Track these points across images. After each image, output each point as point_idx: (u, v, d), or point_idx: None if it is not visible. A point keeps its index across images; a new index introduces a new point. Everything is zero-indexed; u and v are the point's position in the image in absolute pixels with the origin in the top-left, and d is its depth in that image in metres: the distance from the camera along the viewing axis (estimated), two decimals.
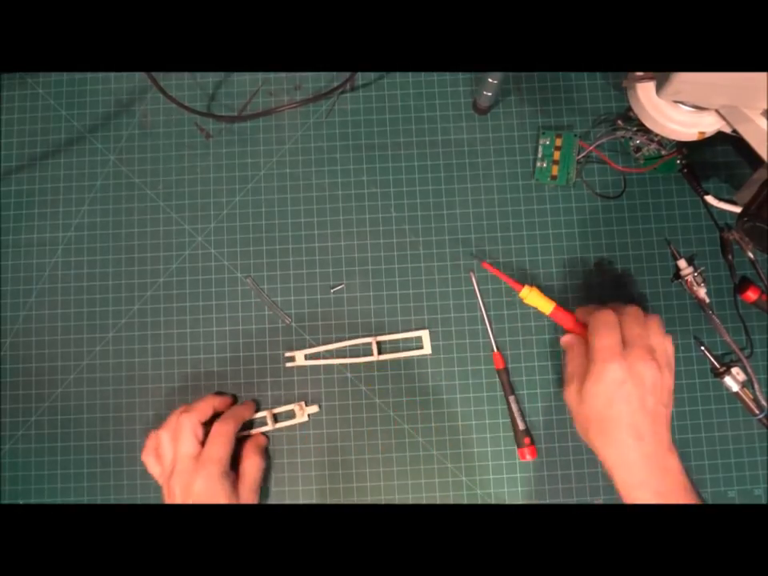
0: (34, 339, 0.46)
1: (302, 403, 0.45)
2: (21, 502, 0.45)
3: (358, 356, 0.45)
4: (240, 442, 0.44)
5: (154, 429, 0.43)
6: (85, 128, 0.49)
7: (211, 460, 0.40)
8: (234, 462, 0.42)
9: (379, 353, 0.45)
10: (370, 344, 0.45)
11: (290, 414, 0.45)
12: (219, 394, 0.45)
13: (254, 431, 0.45)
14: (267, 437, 0.45)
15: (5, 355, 0.46)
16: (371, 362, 0.45)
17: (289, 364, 0.45)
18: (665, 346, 0.38)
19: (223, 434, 0.41)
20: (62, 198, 0.48)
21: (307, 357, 0.45)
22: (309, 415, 0.45)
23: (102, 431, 0.46)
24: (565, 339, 0.41)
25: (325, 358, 0.45)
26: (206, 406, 0.43)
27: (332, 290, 0.46)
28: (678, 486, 0.36)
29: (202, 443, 0.41)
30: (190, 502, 0.39)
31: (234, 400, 0.46)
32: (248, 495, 0.42)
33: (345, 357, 0.45)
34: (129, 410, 0.46)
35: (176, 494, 0.40)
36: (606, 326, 0.38)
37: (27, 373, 0.46)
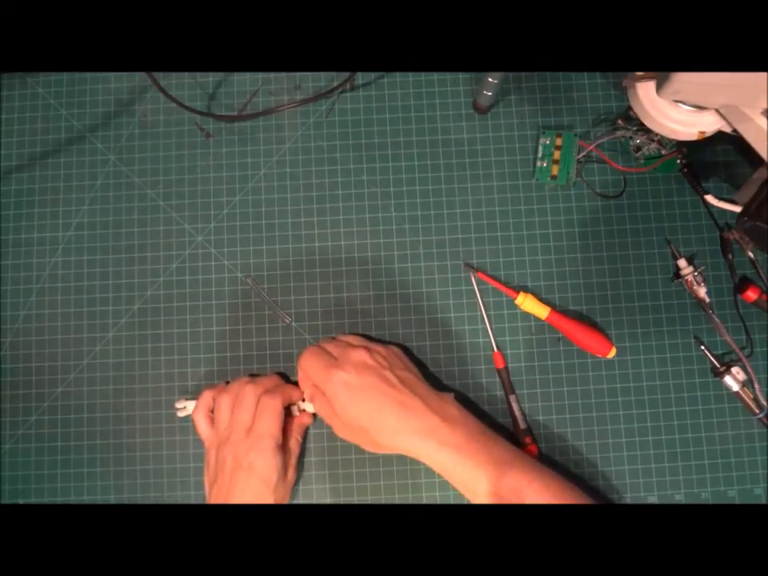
0: (34, 339, 0.46)
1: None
2: (21, 501, 0.45)
3: None
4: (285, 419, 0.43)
5: (207, 387, 0.44)
6: (85, 128, 0.49)
7: (265, 434, 0.40)
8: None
9: None
10: None
11: None
12: (282, 374, 0.46)
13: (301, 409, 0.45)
14: (314, 416, 0.45)
15: (5, 355, 0.46)
16: None
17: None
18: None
19: (271, 407, 0.41)
20: (62, 197, 0.48)
21: None
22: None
23: (102, 431, 0.46)
24: (307, 395, 0.43)
25: None
26: (270, 382, 0.43)
27: None
28: (466, 432, 0.38)
29: None
30: (240, 472, 0.40)
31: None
32: (291, 472, 0.42)
33: None
34: (129, 410, 0.46)
35: (227, 462, 0.40)
36: (311, 359, 0.41)
37: (27, 373, 0.46)
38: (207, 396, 0.43)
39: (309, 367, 0.41)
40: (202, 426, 0.43)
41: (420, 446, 0.38)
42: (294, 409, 0.44)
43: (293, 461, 0.43)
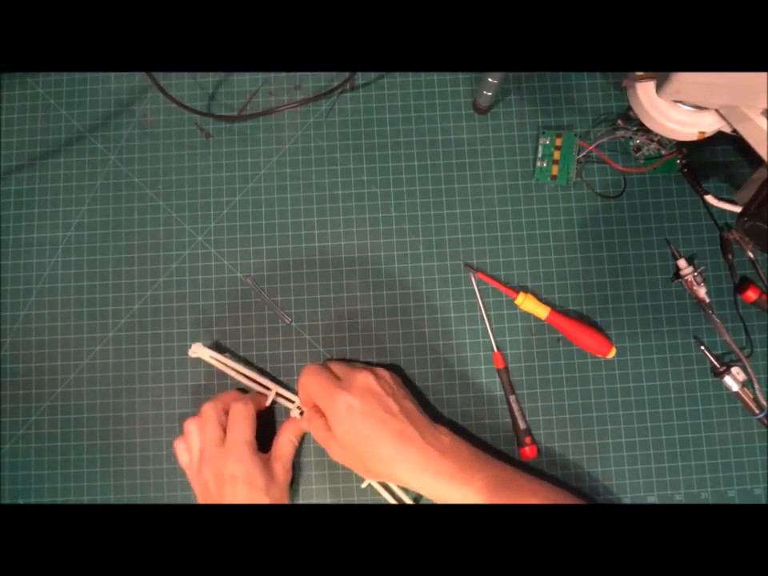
0: (33, 339, 0.46)
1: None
2: (21, 501, 0.45)
3: None
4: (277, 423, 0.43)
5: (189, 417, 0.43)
6: (85, 128, 0.49)
7: (238, 441, 0.40)
8: (268, 442, 0.42)
9: None
10: None
11: None
12: (241, 390, 0.45)
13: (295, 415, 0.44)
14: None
15: (5, 355, 0.46)
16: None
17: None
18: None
19: (243, 413, 0.41)
20: (62, 197, 0.48)
21: None
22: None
23: (102, 431, 0.46)
24: (304, 420, 0.43)
25: None
26: (228, 397, 0.43)
27: None
28: (467, 460, 0.38)
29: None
30: (226, 487, 0.39)
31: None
32: (281, 472, 0.42)
33: None
34: (129, 410, 0.46)
35: (209, 482, 0.40)
36: (313, 376, 0.40)
37: (27, 373, 0.46)
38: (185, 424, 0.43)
39: (310, 385, 0.40)
40: (181, 452, 0.42)
41: (415, 478, 0.38)
42: (295, 412, 0.44)
43: (283, 461, 0.42)
